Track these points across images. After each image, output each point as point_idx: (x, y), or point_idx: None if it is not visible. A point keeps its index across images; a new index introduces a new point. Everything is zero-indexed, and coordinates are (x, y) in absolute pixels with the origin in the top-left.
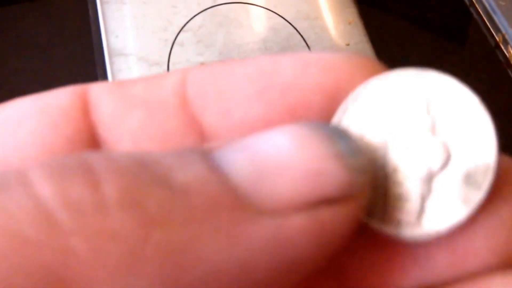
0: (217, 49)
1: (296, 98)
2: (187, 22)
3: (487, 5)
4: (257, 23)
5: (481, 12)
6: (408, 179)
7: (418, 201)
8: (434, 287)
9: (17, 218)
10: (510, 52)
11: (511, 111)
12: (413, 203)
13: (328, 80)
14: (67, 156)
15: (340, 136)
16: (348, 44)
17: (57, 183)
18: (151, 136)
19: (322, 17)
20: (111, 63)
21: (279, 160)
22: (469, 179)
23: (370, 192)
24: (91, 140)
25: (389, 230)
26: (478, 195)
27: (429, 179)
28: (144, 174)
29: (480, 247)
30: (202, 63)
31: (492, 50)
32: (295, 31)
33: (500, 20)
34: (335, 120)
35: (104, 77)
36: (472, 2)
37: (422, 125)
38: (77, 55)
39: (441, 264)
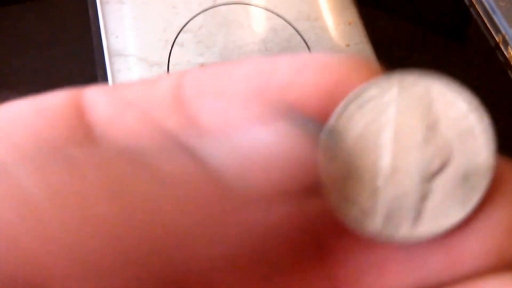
0: (217, 49)
1: (293, 98)
2: (187, 23)
3: (487, 6)
4: (257, 23)
5: (481, 12)
6: (407, 180)
7: (416, 202)
8: None
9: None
10: (510, 52)
11: None
12: (412, 204)
13: (325, 81)
14: (52, 150)
15: (320, 130)
16: (348, 45)
17: (41, 173)
18: (147, 137)
19: (322, 18)
20: (111, 64)
21: (260, 152)
22: (467, 181)
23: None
24: (87, 141)
25: (386, 231)
26: (475, 197)
27: (428, 180)
28: (129, 165)
29: (476, 249)
30: (202, 64)
31: (492, 50)
32: (295, 32)
33: (500, 20)
34: (333, 120)
35: (104, 77)
36: (472, 2)
37: (420, 127)
38: (77, 56)
39: (436, 265)
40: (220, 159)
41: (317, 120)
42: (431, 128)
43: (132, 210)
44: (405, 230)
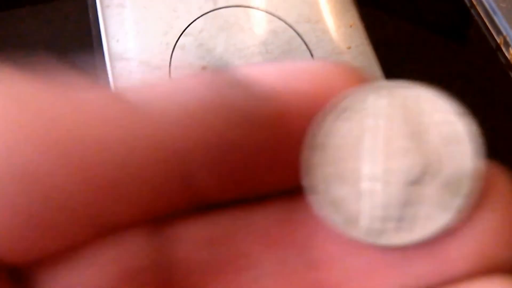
0: (218, 52)
1: (280, 104)
2: (188, 26)
3: (488, 7)
4: (258, 26)
5: (482, 14)
6: (393, 186)
7: (402, 206)
8: None
9: None
10: (511, 54)
11: None
12: (398, 208)
13: (312, 86)
14: None
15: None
16: (349, 47)
17: None
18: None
19: (323, 20)
20: (112, 68)
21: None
22: (453, 186)
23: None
24: None
25: (372, 235)
26: (461, 202)
27: (413, 185)
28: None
29: (462, 253)
30: (203, 67)
31: (493, 52)
32: (296, 34)
33: (501, 22)
34: (317, 128)
35: (105, 81)
36: (473, 4)
37: (405, 134)
38: (77, 60)
39: (423, 270)
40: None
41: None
42: (416, 134)
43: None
44: (391, 235)
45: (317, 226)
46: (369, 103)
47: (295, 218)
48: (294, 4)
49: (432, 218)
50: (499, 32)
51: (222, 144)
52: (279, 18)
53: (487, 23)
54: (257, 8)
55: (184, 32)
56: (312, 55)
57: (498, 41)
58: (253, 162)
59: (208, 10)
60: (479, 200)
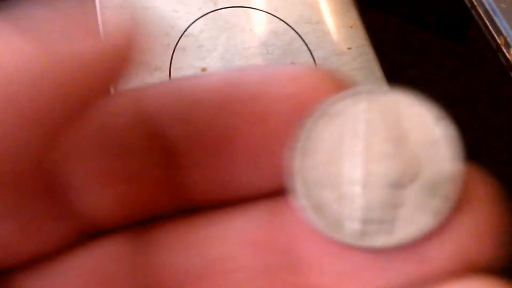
0: (218, 53)
1: (263, 107)
2: (188, 27)
3: (488, 8)
4: (258, 27)
5: (482, 14)
6: (378, 190)
7: (388, 210)
8: None
9: None
10: None
11: None
12: (384, 212)
13: (294, 91)
14: None
15: None
16: (349, 48)
17: None
18: (111, 154)
19: (323, 21)
20: None
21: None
22: (436, 189)
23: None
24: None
25: (356, 240)
26: (444, 205)
27: (398, 189)
28: None
29: (444, 254)
30: (204, 68)
31: (494, 52)
32: (296, 35)
33: (501, 22)
34: (303, 131)
35: None
36: (474, 4)
37: (389, 139)
38: None
39: (405, 272)
40: None
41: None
42: (399, 139)
43: None
44: (374, 237)
45: (300, 229)
46: (350, 108)
47: (278, 221)
48: (295, 5)
49: (414, 221)
50: (499, 32)
51: (206, 142)
52: (280, 19)
53: (488, 24)
54: (258, 9)
55: (185, 33)
56: (312, 56)
57: (499, 41)
58: (237, 163)
59: (208, 11)
60: (459, 202)
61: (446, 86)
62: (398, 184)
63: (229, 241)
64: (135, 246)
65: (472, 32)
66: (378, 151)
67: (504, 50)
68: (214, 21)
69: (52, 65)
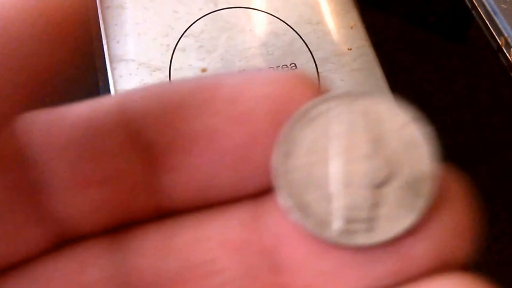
0: (218, 54)
1: (243, 107)
2: (188, 27)
3: (489, 8)
4: (258, 28)
5: (483, 15)
6: (358, 189)
7: (369, 209)
8: None
9: None
10: None
11: None
12: (365, 211)
13: (273, 92)
14: None
15: None
16: (350, 49)
17: None
18: (90, 154)
19: (324, 21)
20: (112, 69)
21: None
22: (414, 188)
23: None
24: (21, 162)
25: (340, 238)
26: (422, 203)
27: (378, 188)
28: None
29: (424, 252)
30: (204, 69)
31: (495, 53)
32: (297, 36)
33: (502, 23)
34: (284, 135)
35: (105, 83)
36: (474, 5)
37: (367, 140)
38: (77, 61)
39: (387, 270)
40: None
41: None
42: (377, 140)
43: None
44: (360, 236)
45: (285, 229)
46: (329, 111)
47: (259, 222)
48: (295, 5)
49: (395, 219)
50: (500, 33)
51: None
52: (280, 19)
53: (489, 24)
54: (258, 10)
55: (185, 34)
56: (313, 57)
57: (500, 42)
58: (218, 165)
59: (208, 12)
60: (437, 200)
61: (446, 87)
62: (378, 184)
63: (210, 243)
64: (113, 251)
65: (473, 32)
66: (358, 152)
67: (505, 51)
68: (214, 21)
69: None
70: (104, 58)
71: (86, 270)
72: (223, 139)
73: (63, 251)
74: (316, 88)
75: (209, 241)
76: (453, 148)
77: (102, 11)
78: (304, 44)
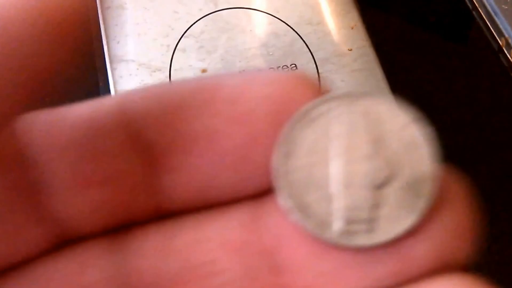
0: (219, 55)
1: (242, 108)
2: (188, 28)
3: (489, 9)
4: (259, 28)
5: (483, 15)
6: (359, 190)
7: (370, 210)
8: None
9: None
10: None
11: None
12: (366, 212)
13: (273, 92)
14: None
15: None
16: (350, 49)
17: None
18: (90, 155)
19: (324, 22)
20: (113, 70)
21: None
22: (414, 189)
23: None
24: (21, 162)
25: (340, 239)
26: (423, 204)
27: (378, 189)
28: None
29: (425, 252)
30: (204, 69)
31: (495, 54)
32: (297, 36)
33: (503, 24)
34: (284, 135)
35: (105, 83)
36: (475, 5)
37: (367, 140)
38: (77, 61)
39: (387, 270)
40: None
41: None
42: (377, 141)
43: None
44: (361, 237)
45: (283, 230)
46: (329, 112)
47: (259, 223)
48: (295, 6)
49: (395, 219)
50: (501, 34)
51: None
52: (280, 20)
53: (489, 25)
54: (258, 10)
55: (185, 34)
56: (313, 57)
57: (500, 43)
58: (218, 165)
59: (209, 12)
60: (437, 201)
61: (447, 87)
62: (379, 184)
63: (210, 244)
64: (113, 252)
65: (473, 33)
66: (359, 153)
67: (506, 51)
68: (214, 22)
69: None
70: (104, 58)
71: (86, 270)
72: (223, 140)
73: (63, 252)
74: (316, 89)
75: (209, 242)
76: (453, 148)
77: (102, 12)
78: (304, 44)
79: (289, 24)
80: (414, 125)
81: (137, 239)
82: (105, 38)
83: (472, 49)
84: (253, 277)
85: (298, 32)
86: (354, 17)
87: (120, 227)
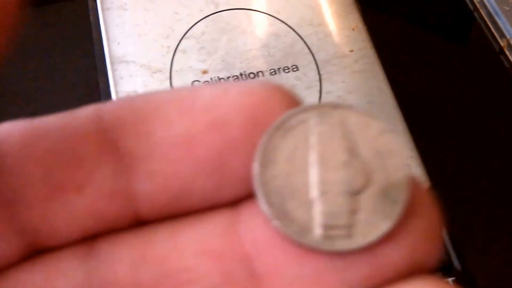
0: (219, 56)
1: (218, 116)
2: (189, 29)
3: (491, 10)
4: (259, 29)
5: (485, 17)
6: (336, 197)
7: (347, 216)
8: None
9: None
10: None
11: None
12: (343, 218)
13: (248, 102)
14: None
15: None
16: (352, 50)
17: None
18: (66, 163)
19: (325, 23)
20: (113, 71)
21: None
22: (388, 195)
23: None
24: None
25: (319, 244)
26: (397, 209)
27: (354, 196)
28: None
29: (399, 256)
30: (204, 71)
31: (497, 55)
32: (298, 37)
33: (504, 25)
34: (261, 145)
35: (106, 84)
36: (476, 7)
37: (342, 149)
38: (78, 63)
39: (362, 274)
40: None
41: None
42: (351, 149)
43: None
44: (340, 242)
45: (260, 236)
46: (303, 122)
47: (237, 229)
48: (296, 7)
49: (375, 225)
50: (502, 35)
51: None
52: (281, 21)
53: (490, 26)
54: (259, 11)
55: (186, 35)
56: (314, 58)
57: (502, 44)
58: (194, 172)
59: (209, 13)
60: (409, 207)
61: (448, 88)
62: (356, 191)
63: (186, 251)
64: (88, 261)
65: (475, 34)
66: (333, 161)
67: (507, 53)
68: (215, 23)
69: None
70: (105, 59)
71: (58, 279)
72: (199, 147)
73: (36, 261)
74: (292, 99)
75: (186, 249)
76: (453, 148)
77: (102, 13)
78: (305, 45)
79: (290, 25)
80: (387, 134)
81: (113, 247)
82: (105, 39)
83: (473, 50)
84: (231, 283)
85: (299, 33)
86: (355, 19)
87: (97, 235)
